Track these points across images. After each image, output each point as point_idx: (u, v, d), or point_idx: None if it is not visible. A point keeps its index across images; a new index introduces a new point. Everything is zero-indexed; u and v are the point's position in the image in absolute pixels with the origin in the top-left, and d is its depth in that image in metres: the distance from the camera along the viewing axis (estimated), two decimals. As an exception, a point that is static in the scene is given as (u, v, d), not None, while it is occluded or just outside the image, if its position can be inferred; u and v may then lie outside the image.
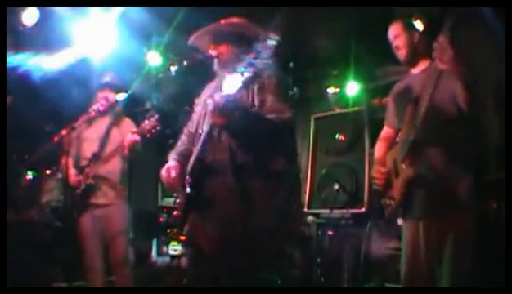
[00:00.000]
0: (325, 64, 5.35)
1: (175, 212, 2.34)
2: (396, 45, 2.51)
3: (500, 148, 3.19)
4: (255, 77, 1.88)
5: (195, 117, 2.39)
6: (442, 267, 2.26)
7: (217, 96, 1.92)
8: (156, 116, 3.15)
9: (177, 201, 2.28)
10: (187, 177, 2.13)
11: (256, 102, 2.10)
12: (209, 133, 2.08)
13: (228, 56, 2.23)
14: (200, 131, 2.20)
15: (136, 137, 3.29)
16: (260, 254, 2.11)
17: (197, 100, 2.45)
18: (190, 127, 2.43)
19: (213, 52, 2.26)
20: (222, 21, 2.29)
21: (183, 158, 2.31)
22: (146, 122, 3.24)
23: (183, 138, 2.47)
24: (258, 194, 2.04)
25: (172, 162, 2.31)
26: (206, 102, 2.21)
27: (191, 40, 2.34)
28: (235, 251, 2.03)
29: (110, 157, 3.39)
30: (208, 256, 2.11)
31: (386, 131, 2.70)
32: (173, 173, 2.22)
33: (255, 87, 2.10)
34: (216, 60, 2.27)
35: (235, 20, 2.29)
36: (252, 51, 2.19)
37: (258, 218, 2.01)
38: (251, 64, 1.83)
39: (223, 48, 2.24)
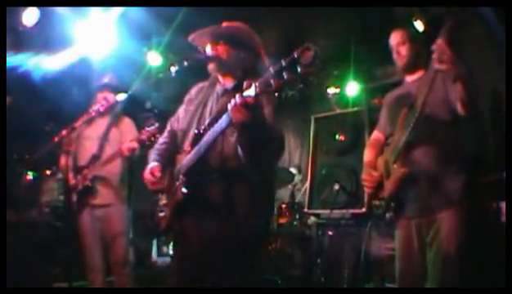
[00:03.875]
0: (325, 65, 5.35)
1: (162, 214, 2.23)
2: (398, 51, 2.54)
3: (497, 148, 3.20)
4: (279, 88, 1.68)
5: (184, 115, 2.35)
6: (433, 265, 2.27)
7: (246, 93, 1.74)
8: (156, 124, 3.05)
9: (164, 202, 2.23)
10: (181, 177, 2.09)
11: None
12: (216, 133, 1.95)
13: (224, 57, 2.20)
14: (196, 131, 2.13)
15: (135, 145, 3.28)
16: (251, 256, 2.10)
17: (188, 98, 2.40)
18: (175, 125, 2.40)
19: (209, 51, 2.23)
20: (224, 23, 2.27)
21: (163, 159, 2.30)
22: (146, 129, 3.20)
23: (165, 135, 2.44)
24: (248, 200, 2.03)
25: (153, 163, 2.28)
26: (217, 100, 2.19)
27: (191, 37, 2.32)
28: (226, 253, 2.00)
29: (110, 158, 3.38)
30: (196, 256, 2.08)
31: (376, 134, 2.73)
32: (158, 174, 2.20)
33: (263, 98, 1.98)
34: (212, 60, 2.23)
35: (236, 24, 2.27)
36: (249, 57, 2.20)
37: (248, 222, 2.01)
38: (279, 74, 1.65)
39: (221, 48, 2.21)
